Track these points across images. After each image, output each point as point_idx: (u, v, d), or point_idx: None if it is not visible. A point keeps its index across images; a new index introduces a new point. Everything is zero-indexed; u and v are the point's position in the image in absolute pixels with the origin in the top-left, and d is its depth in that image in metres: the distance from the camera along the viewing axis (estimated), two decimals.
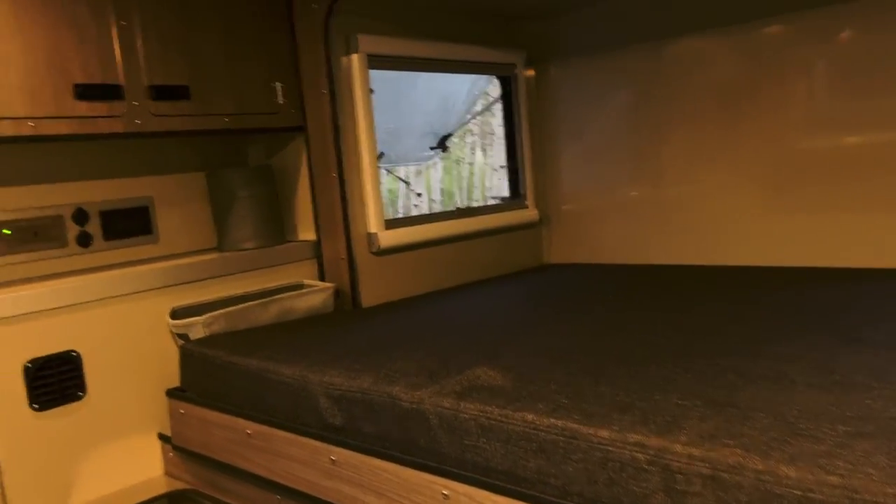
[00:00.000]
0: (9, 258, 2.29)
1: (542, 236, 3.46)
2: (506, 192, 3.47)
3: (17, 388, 2.06)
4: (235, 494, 2.13)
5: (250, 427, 1.99)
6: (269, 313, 2.44)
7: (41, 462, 2.10)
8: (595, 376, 1.55)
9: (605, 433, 1.27)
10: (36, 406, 2.09)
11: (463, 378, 1.63)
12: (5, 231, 2.28)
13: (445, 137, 3.60)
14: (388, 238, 2.75)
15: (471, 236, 3.10)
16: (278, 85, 2.63)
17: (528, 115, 3.36)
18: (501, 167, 3.58)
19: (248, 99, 2.55)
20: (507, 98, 3.36)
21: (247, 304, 2.39)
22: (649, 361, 1.63)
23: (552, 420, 1.35)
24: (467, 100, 3.56)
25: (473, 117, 4.08)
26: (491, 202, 3.77)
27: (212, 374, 2.14)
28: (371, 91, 2.70)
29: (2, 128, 2.00)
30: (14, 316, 2.04)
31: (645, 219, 3.12)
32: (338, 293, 2.67)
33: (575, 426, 1.31)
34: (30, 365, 2.08)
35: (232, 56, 2.50)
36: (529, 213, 3.38)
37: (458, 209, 3.20)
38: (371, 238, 2.71)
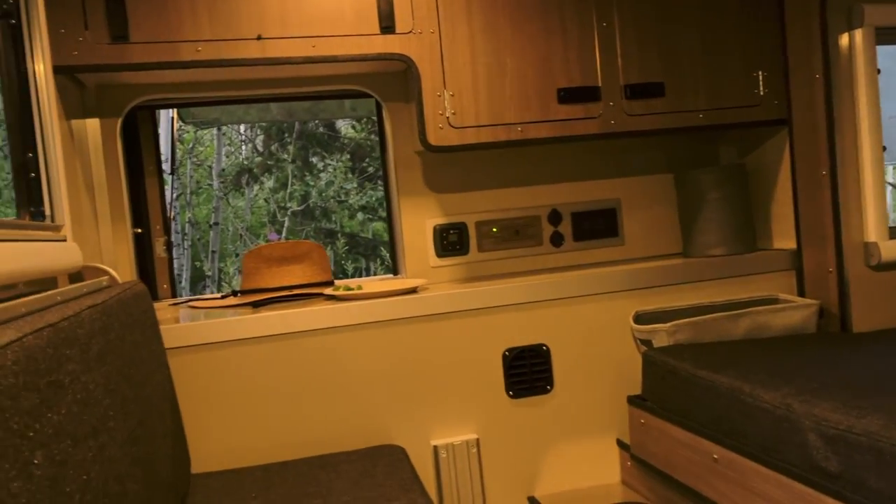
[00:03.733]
0: (495, 253, 2.55)
1: None
2: None
3: (497, 373, 2.24)
4: None
5: (717, 451, 1.79)
6: (739, 327, 2.20)
7: (511, 447, 2.25)
8: None
9: None
10: (511, 393, 2.24)
11: None
12: (494, 229, 2.54)
13: None
14: (892, 249, 2.24)
15: None
16: (760, 74, 2.36)
17: None
18: None
19: (725, 92, 2.35)
20: None
21: (716, 315, 2.19)
22: None
23: None
24: None
25: None
26: None
27: (675, 387, 2.00)
28: (878, 71, 2.23)
29: (498, 133, 2.21)
30: (495, 307, 2.23)
31: None
32: (822, 312, 2.28)
33: None
34: (507, 353, 2.24)
35: (709, 47, 2.34)
36: None
37: None
38: (869, 249, 2.24)
